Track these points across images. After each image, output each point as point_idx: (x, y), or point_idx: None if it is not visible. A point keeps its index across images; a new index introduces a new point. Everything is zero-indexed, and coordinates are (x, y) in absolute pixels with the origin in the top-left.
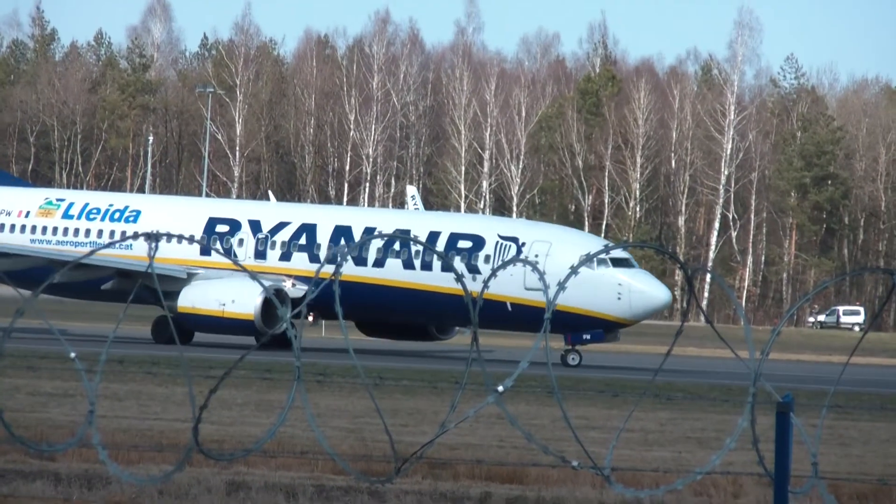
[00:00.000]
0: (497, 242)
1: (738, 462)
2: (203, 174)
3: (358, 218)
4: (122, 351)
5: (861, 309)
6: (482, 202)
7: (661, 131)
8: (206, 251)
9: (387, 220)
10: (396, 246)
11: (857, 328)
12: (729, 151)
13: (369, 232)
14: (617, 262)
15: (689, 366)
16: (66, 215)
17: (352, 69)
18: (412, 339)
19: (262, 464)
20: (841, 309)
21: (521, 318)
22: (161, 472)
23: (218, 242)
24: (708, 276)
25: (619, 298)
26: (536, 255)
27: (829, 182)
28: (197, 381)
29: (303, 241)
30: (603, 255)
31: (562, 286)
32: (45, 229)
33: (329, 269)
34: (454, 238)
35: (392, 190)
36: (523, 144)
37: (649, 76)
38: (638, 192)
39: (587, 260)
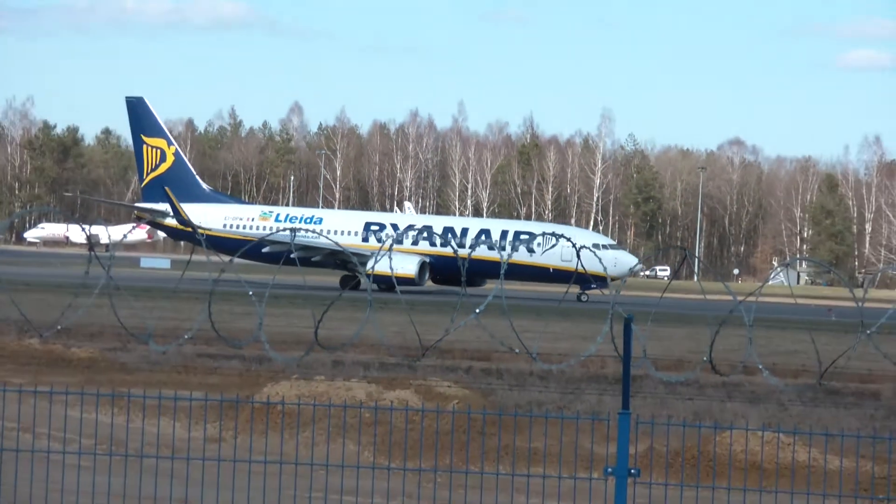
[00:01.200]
0: (543, 234)
1: (604, 350)
2: (319, 197)
3: (457, 221)
4: (280, 291)
5: (668, 267)
6: (468, 213)
7: (562, 173)
8: (365, 240)
9: (475, 223)
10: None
11: (665, 277)
12: (598, 184)
13: (464, 231)
14: (612, 247)
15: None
16: (277, 220)
17: (398, 140)
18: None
19: (352, 351)
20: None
21: (558, 276)
22: (297, 355)
23: (372, 235)
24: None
25: (615, 264)
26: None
27: (651, 200)
28: (317, 306)
29: (424, 234)
30: (606, 242)
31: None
32: (265, 228)
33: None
34: (518, 233)
35: (420, 203)
36: (489, 181)
37: (556, 144)
38: (550, 206)
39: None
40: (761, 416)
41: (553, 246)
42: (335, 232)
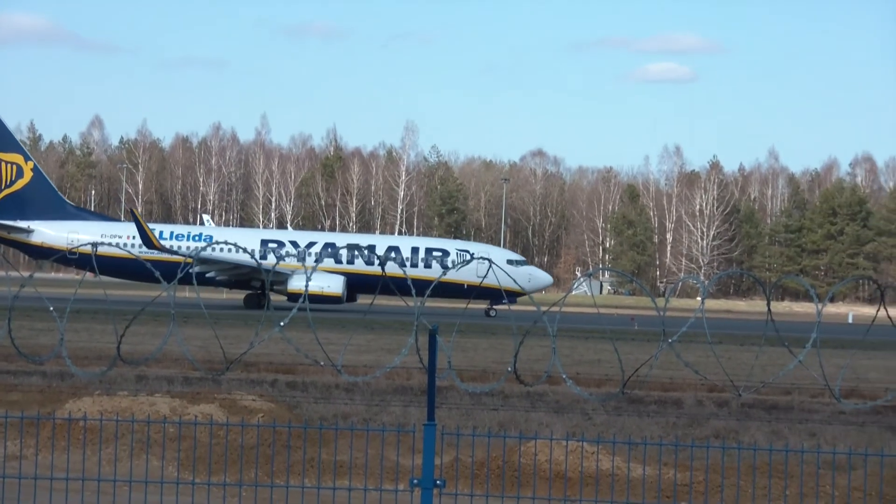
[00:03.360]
0: (457, 252)
1: (409, 362)
2: (121, 211)
3: (361, 238)
4: (86, 305)
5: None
6: (272, 225)
7: (366, 186)
8: (263, 257)
9: (383, 241)
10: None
11: None
12: (402, 196)
13: (371, 248)
14: (524, 263)
15: (387, 309)
16: (161, 237)
17: (201, 154)
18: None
19: (155, 365)
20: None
21: (472, 292)
22: (100, 370)
23: (271, 254)
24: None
25: (529, 280)
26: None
27: (455, 212)
28: (121, 321)
29: (328, 251)
30: (518, 258)
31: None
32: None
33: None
34: (429, 250)
35: (224, 217)
36: (293, 194)
37: (360, 156)
38: (354, 218)
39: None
40: (566, 426)
41: (467, 262)
42: (227, 249)
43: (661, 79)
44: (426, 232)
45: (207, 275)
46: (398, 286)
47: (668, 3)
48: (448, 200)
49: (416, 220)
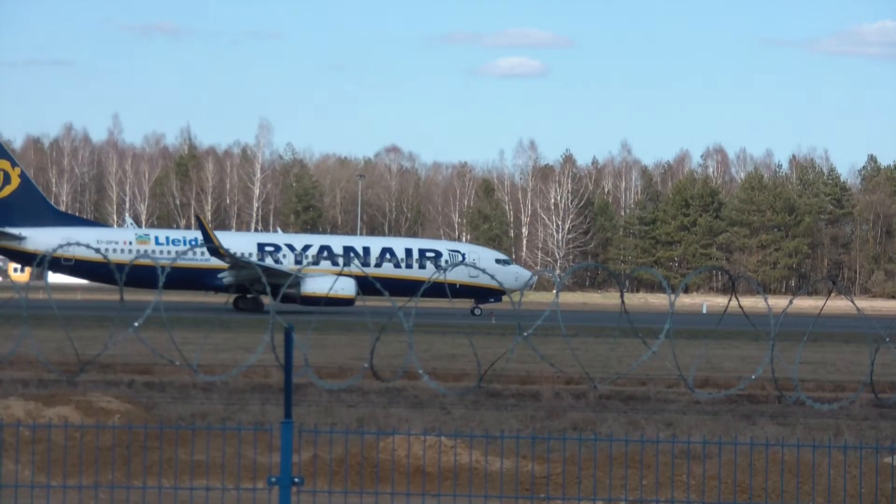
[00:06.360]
0: (450, 252)
1: (267, 360)
2: None
3: (356, 241)
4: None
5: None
6: (126, 225)
7: (221, 184)
8: (262, 260)
9: (376, 242)
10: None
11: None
12: (257, 194)
13: (365, 250)
14: (509, 262)
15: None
16: (157, 242)
17: (53, 155)
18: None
19: (9, 368)
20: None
21: (465, 291)
22: None
23: (269, 256)
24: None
25: (515, 279)
26: (474, 259)
27: (311, 209)
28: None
29: (325, 254)
30: (505, 258)
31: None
32: (146, 252)
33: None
34: (423, 251)
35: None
36: (147, 194)
37: (214, 155)
38: (210, 217)
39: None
40: (424, 421)
41: (460, 263)
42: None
43: (512, 74)
44: (283, 229)
45: (225, 279)
46: (393, 286)
47: None
48: (304, 198)
49: (272, 218)
